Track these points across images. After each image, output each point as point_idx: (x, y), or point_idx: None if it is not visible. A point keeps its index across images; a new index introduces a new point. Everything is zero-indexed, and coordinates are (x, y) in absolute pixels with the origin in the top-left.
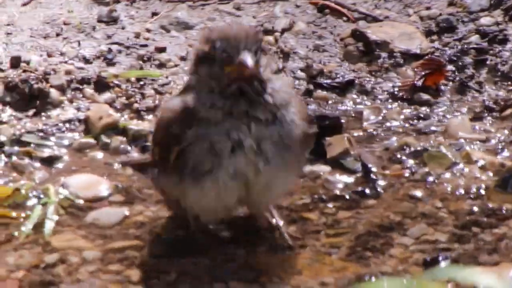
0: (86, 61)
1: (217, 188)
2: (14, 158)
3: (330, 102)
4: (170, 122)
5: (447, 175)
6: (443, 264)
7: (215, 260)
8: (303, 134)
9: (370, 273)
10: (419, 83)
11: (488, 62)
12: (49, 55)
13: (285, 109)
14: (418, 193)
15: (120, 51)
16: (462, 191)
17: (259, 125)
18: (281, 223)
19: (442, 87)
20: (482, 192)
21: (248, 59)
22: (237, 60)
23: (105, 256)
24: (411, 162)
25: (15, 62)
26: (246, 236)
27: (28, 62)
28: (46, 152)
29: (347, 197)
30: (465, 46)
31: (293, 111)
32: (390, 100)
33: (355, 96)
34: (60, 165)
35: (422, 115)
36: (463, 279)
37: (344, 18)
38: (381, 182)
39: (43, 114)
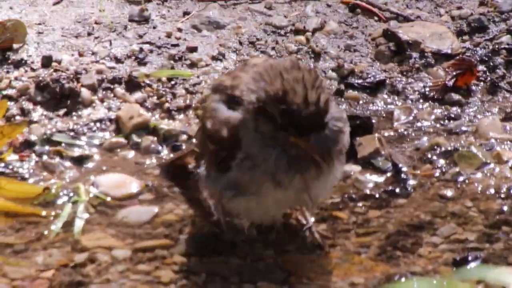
0: (118, 60)
1: (265, 204)
2: (45, 157)
3: (361, 102)
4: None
5: (478, 175)
6: (472, 264)
7: (244, 260)
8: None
9: (400, 273)
10: (450, 83)
11: None
12: (80, 55)
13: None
14: (449, 192)
15: (151, 51)
16: (492, 191)
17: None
18: (311, 222)
19: (473, 87)
20: None
21: (316, 147)
22: (307, 143)
23: (134, 255)
24: (441, 162)
25: (46, 62)
26: (275, 236)
27: (59, 62)
28: (77, 152)
29: (377, 196)
30: (496, 46)
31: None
32: (421, 100)
33: (386, 96)
34: (90, 164)
35: (452, 115)
36: (493, 280)
37: (376, 18)
38: (411, 182)
39: (74, 113)
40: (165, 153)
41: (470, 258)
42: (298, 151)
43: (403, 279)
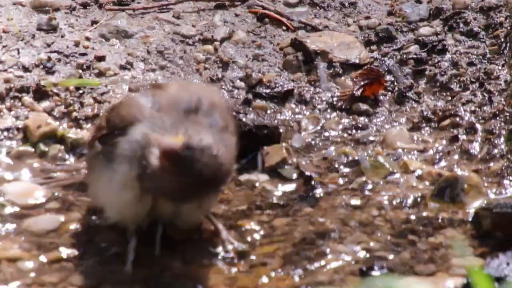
0: (26, 69)
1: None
2: None
3: (269, 111)
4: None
5: (384, 184)
6: (378, 273)
7: (150, 270)
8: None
9: (307, 283)
10: (358, 93)
11: (427, 73)
12: None
13: None
14: (356, 201)
15: (59, 60)
16: (399, 200)
17: None
18: (221, 227)
19: (381, 97)
20: (419, 201)
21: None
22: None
23: (41, 265)
24: (348, 171)
25: None
26: (181, 246)
27: None
28: None
29: (284, 204)
30: (404, 56)
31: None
32: (329, 110)
33: (294, 105)
34: None
35: (360, 125)
36: None
37: (284, 27)
38: (319, 190)
39: None
40: (72, 161)
41: (376, 267)
42: None
43: None
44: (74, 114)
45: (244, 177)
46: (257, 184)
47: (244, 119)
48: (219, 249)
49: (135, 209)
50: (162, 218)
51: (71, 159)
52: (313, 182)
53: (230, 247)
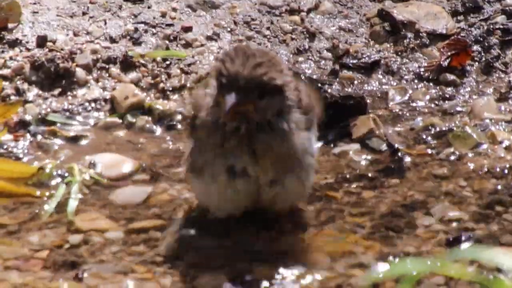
0: (112, 40)
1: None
2: (40, 137)
3: (356, 82)
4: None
5: (472, 155)
6: (465, 244)
7: (238, 241)
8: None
9: (393, 253)
10: (445, 63)
11: None
12: (75, 34)
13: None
14: (443, 172)
15: (146, 31)
16: (486, 171)
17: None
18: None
19: (468, 68)
20: (506, 172)
21: (229, 102)
22: (224, 98)
23: (128, 236)
24: (435, 142)
25: (41, 41)
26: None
27: (54, 41)
28: (72, 131)
29: (371, 176)
30: (491, 26)
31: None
32: (416, 81)
33: (381, 76)
34: (85, 144)
35: (447, 96)
36: (486, 260)
37: None
38: (406, 162)
39: (69, 93)
40: (160, 132)
41: (463, 238)
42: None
43: (396, 259)
44: (161, 85)
45: (336, 150)
46: (345, 155)
47: (329, 90)
48: (308, 216)
49: (237, 200)
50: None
51: (158, 131)
52: (400, 154)
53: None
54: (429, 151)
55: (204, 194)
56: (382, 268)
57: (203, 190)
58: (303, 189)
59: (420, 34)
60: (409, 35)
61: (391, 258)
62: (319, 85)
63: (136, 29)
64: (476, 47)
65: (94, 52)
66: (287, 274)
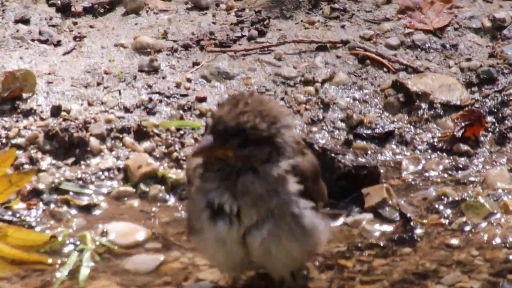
0: (127, 110)
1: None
2: (52, 205)
3: (369, 152)
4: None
5: (484, 224)
6: None
7: None
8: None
9: None
10: (459, 134)
11: None
12: (90, 104)
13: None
14: (455, 241)
15: (160, 101)
16: (499, 241)
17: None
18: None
19: (482, 138)
20: None
21: (202, 141)
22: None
23: None
24: (448, 211)
25: (56, 111)
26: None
27: (68, 111)
28: (85, 200)
29: (383, 245)
30: (505, 97)
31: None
32: (429, 151)
33: (394, 146)
34: (97, 213)
35: (461, 166)
36: None
37: (385, 69)
38: (418, 231)
39: (82, 162)
40: (172, 201)
41: None
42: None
43: None
44: (175, 154)
45: (349, 219)
46: (357, 224)
47: (343, 160)
48: (320, 285)
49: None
50: (254, 264)
51: (171, 199)
52: (412, 223)
53: None
54: (442, 220)
55: (203, 251)
56: None
57: (201, 246)
58: (298, 249)
59: (434, 105)
60: (423, 106)
61: None
62: (333, 155)
63: (150, 99)
64: (490, 118)
65: (108, 121)
66: None
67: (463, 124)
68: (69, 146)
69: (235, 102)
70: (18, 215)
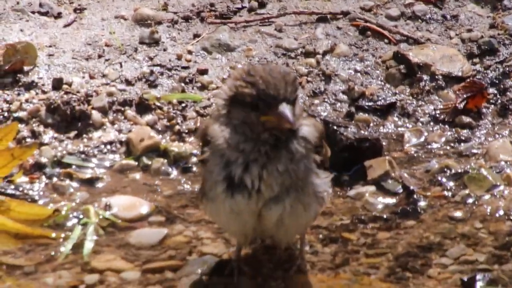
0: (128, 83)
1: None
2: (55, 179)
3: (371, 124)
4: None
5: (487, 197)
6: (480, 284)
7: (255, 280)
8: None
9: None
10: (461, 106)
11: None
12: (91, 77)
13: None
14: (458, 214)
15: (162, 73)
16: (502, 213)
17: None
18: (305, 247)
19: (484, 110)
20: None
21: (287, 112)
22: (277, 112)
23: (144, 277)
24: (451, 184)
25: (57, 84)
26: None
27: (70, 84)
28: (87, 174)
29: (387, 218)
30: (507, 68)
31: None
32: (431, 123)
33: (396, 118)
34: (100, 186)
35: (463, 138)
36: None
37: (386, 40)
38: (422, 204)
39: (84, 135)
40: (175, 174)
41: (478, 278)
42: (270, 135)
43: None
44: (177, 127)
45: (352, 192)
46: (365, 196)
47: (345, 133)
48: (324, 258)
49: (240, 219)
50: (265, 233)
51: (174, 173)
52: (415, 196)
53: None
54: (445, 193)
55: (215, 217)
56: None
57: (213, 212)
58: (311, 218)
59: (436, 77)
60: (425, 77)
61: None
62: (335, 127)
63: (151, 72)
64: (492, 90)
65: (110, 94)
66: None
67: (465, 96)
68: (71, 119)
69: (269, 71)
70: (21, 189)
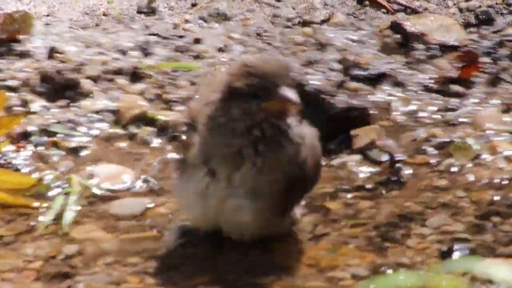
0: (123, 52)
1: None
2: (41, 148)
3: (362, 93)
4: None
5: (472, 166)
6: (459, 254)
7: (232, 252)
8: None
9: (387, 264)
10: (454, 75)
11: None
12: (87, 46)
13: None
14: (442, 183)
15: (157, 42)
16: (485, 181)
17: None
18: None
19: (477, 79)
20: (505, 182)
21: (290, 93)
22: (279, 95)
23: (123, 247)
24: (436, 153)
25: (51, 53)
26: None
27: (65, 53)
28: (73, 142)
29: (370, 187)
30: (503, 38)
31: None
32: (423, 92)
33: (388, 87)
34: (85, 155)
35: (454, 107)
36: (479, 272)
37: (383, 10)
38: (405, 173)
39: (74, 104)
40: (161, 143)
41: (456, 249)
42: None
43: (390, 271)
44: (166, 95)
45: (337, 161)
46: (344, 166)
47: (333, 101)
48: (304, 227)
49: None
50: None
51: (160, 141)
52: (399, 165)
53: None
54: (430, 161)
55: (182, 190)
56: (375, 280)
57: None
58: (264, 223)
59: (431, 46)
60: (420, 46)
61: (384, 269)
62: (323, 96)
63: (147, 41)
64: (486, 59)
65: (104, 63)
66: (278, 286)
67: (458, 65)
68: (62, 88)
69: (264, 60)
70: (5, 157)
